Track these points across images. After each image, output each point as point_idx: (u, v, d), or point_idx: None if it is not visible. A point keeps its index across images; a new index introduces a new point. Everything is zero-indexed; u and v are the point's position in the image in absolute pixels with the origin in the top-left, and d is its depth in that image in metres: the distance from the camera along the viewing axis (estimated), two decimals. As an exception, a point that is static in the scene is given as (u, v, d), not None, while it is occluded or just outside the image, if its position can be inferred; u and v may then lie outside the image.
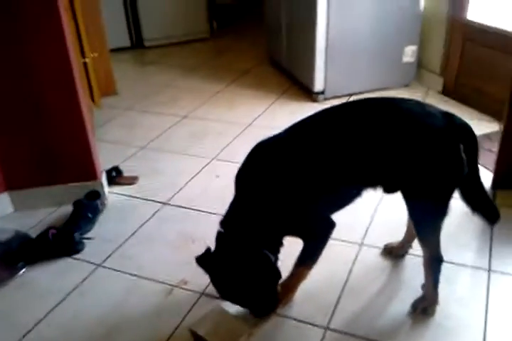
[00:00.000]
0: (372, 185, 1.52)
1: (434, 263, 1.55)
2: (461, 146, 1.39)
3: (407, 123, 1.40)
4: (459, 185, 1.46)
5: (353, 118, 1.46)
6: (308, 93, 3.22)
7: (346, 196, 1.57)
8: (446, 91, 3.13)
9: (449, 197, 1.45)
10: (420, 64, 3.28)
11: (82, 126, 2.11)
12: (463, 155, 1.39)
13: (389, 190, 1.54)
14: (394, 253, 1.84)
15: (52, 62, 1.95)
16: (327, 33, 2.93)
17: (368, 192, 1.56)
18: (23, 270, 1.85)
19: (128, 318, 1.62)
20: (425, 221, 1.52)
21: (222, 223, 1.52)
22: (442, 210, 1.46)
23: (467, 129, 1.43)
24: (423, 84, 3.31)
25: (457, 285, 1.70)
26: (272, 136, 1.52)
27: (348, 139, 1.43)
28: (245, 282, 1.46)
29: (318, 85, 3.08)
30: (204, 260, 1.49)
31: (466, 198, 1.52)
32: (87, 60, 2.70)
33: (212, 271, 1.50)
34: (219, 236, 1.51)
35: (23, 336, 1.57)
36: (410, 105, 1.46)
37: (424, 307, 1.59)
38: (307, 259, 1.60)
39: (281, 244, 1.55)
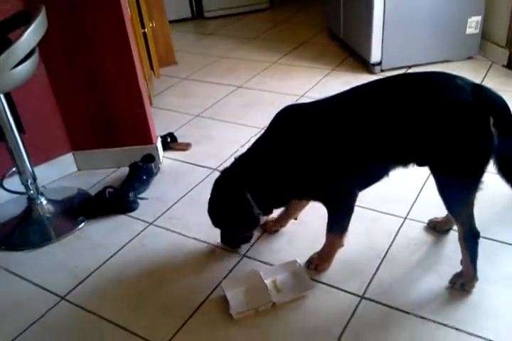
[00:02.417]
0: (402, 160, 1.52)
1: (469, 238, 1.53)
2: (491, 120, 1.34)
3: (435, 97, 1.37)
4: (487, 159, 1.41)
5: (384, 93, 1.46)
6: (364, 64, 3.17)
7: (372, 171, 1.56)
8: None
9: (477, 171, 1.41)
10: (484, 36, 3.12)
11: (139, 94, 2.22)
12: (492, 129, 1.35)
13: (419, 164, 1.53)
14: (438, 228, 1.83)
15: (110, 33, 2.05)
16: (385, 2, 2.85)
17: (397, 170, 1.56)
18: (83, 224, 2.01)
19: (174, 273, 1.73)
20: (453, 196, 1.49)
21: (236, 158, 1.65)
22: (471, 185, 1.43)
23: (498, 101, 1.38)
24: (487, 57, 3.16)
25: (500, 264, 1.66)
26: (300, 103, 1.58)
27: (378, 113, 1.43)
28: (219, 212, 1.66)
29: (375, 56, 3.03)
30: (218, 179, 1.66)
31: (503, 173, 1.47)
32: (146, 30, 2.79)
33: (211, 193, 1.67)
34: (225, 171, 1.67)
35: (80, 283, 1.73)
36: (439, 78, 1.43)
37: (462, 283, 1.57)
38: (334, 227, 1.64)
39: (284, 202, 1.68)
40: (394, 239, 1.81)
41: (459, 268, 1.61)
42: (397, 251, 1.75)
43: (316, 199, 1.59)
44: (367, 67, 3.14)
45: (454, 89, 1.37)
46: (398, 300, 1.56)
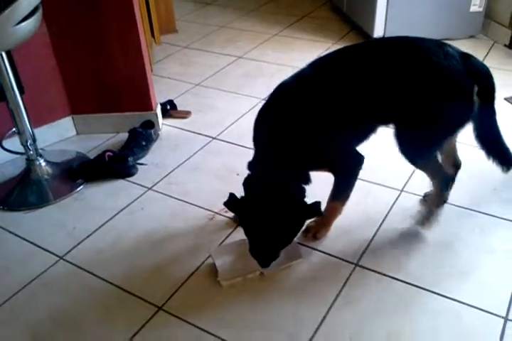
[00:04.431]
0: (386, 120, 1.56)
1: (444, 186, 1.69)
2: (476, 88, 1.40)
3: (424, 63, 1.40)
4: (463, 125, 1.49)
5: (372, 57, 1.47)
6: (367, 39, 3.14)
7: (363, 131, 1.60)
8: (514, 45, 2.98)
9: (450, 134, 1.53)
10: (488, 14, 3.10)
11: (141, 60, 2.20)
12: (475, 97, 1.41)
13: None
14: None
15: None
16: (391, -25, 2.82)
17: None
18: (82, 186, 2.02)
19: (171, 237, 1.75)
20: (419, 153, 1.56)
21: (250, 165, 1.55)
22: (440, 145, 1.56)
23: (484, 71, 1.44)
24: (489, 37, 3.15)
25: (493, 238, 1.70)
26: (292, 75, 1.54)
27: (366, 77, 1.45)
28: (270, 227, 1.46)
29: (378, 31, 3.00)
30: (233, 204, 1.52)
31: (481, 141, 1.56)
32: (149, -5, 2.75)
33: (242, 214, 1.53)
34: (247, 180, 1.54)
35: (78, 243, 1.75)
36: (429, 44, 1.44)
37: (425, 219, 1.72)
38: (339, 194, 1.66)
39: (309, 179, 1.56)
40: (390, 210, 1.84)
41: (451, 239, 1.67)
42: (392, 222, 1.78)
43: (329, 168, 1.59)
44: (369, 42, 3.12)
45: (444, 56, 1.39)
46: (392, 269, 1.59)
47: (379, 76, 1.44)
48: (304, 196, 1.54)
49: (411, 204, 1.86)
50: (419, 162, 1.60)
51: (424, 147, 1.54)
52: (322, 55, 1.58)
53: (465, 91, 1.41)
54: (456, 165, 1.78)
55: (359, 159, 1.59)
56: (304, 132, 1.47)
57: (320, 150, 1.50)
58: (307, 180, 1.56)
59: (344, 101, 1.46)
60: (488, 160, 1.60)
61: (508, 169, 1.62)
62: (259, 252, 1.52)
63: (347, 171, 1.61)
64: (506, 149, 1.61)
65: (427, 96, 1.41)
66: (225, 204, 1.52)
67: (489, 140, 1.57)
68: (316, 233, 1.72)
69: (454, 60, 1.39)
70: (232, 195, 1.53)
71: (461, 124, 1.48)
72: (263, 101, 2.60)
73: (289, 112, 1.49)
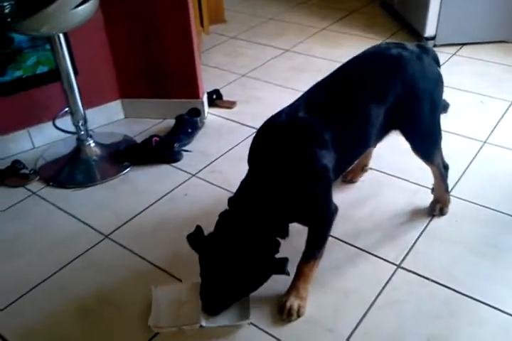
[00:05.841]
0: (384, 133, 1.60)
1: (444, 171, 1.76)
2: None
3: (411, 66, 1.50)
4: None
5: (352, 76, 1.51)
6: (417, 38, 3.08)
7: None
8: None
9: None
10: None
11: (191, 49, 2.22)
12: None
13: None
14: None
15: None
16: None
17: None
18: (128, 169, 2.05)
19: (213, 224, 1.76)
20: (434, 148, 1.68)
21: (231, 201, 1.42)
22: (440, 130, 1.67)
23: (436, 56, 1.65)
24: (546, 40, 3.05)
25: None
26: (283, 110, 1.47)
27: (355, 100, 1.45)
28: (229, 274, 1.33)
29: (430, 30, 2.94)
30: (195, 239, 1.41)
31: None
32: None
33: (203, 252, 1.38)
34: (223, 215, 1.41)
35: (123, 224, 1.78)
36: (394, 51, 1.52)
37: (441, 207, 1.79)
38: (317, 251, 1.45)
39: (286, 234, 1.42)
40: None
41: (501, 249, 1.64)
42: (437, 226, 1.76)
43: (310, 217, 1.44)
44: (419, 40, 3.03)
45: (414, 53, 1.53)
46: (436, 273, 1.56)
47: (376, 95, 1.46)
48: (277, 250, 1.39)
49: (457, 207, 1.82)
50: (436, 150, 1.69)
51: (436, 131, 1.65)
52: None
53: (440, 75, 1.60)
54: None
55: (336, 208, 1.48)
56: (294, 178, 1.35)
57: (308, 198, 1.39)
58: (284, 234, 1.41)
59: (338, 133, 1.39)
60: None
61: None
62: (208, 297, 1.38)
63: (327, 220, 1.46)
64: None
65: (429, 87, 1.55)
66: (188, 237, 1.41)
67: None
68: (300, 308, 1.44)
69: (423, 55, 1.55)
70: (198, 228, 1.42)
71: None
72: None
73: (277, 157, 1.37)
